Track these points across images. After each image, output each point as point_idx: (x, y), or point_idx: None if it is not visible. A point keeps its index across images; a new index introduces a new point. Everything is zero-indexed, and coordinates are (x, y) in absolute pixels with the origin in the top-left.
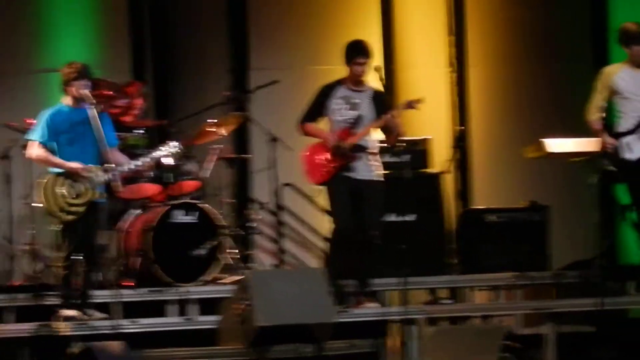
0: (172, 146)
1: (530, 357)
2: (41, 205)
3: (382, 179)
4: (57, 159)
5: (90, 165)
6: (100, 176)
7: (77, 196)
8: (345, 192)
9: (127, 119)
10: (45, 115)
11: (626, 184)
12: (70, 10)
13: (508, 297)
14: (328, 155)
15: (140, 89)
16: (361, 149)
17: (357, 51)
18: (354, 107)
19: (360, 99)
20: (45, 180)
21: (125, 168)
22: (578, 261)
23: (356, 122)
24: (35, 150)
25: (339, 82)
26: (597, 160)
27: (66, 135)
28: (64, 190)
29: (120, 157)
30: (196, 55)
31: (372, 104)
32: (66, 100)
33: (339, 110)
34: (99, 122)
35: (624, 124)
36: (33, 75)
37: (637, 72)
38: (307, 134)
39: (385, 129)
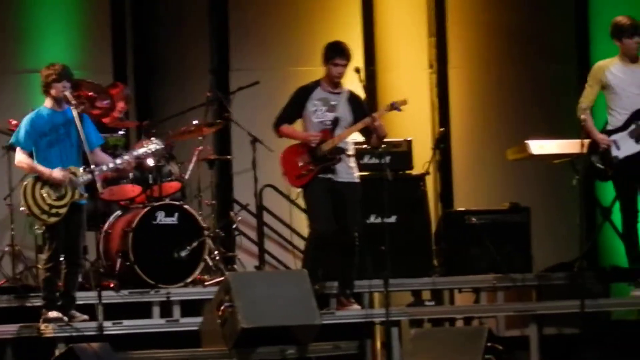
0: (154, 143)
1: (514, 359)
2: (23, 208)
3: (359, 180)
4: (39, 167)
5: (70, 167)
6: (82, 177)
7: (59, 198)
8: (325, 195)
9: (108, 120)
10: (25, 120)
11: (613, 182)
12: (53, 10)
13: (490, 299)
14: (307, 158)
15: (123, 92)
16: (340, 151)
17: (336, 52)
18: (331, 108)
19: (337, 100)
20: (26, 183)
21: (107, 167)
22: (560, 263)
23: (334, 123)
24: (17, 156)
25: (316, 84)
26: (586, 158)
27: (47, 137)
28: (44, 193)
29: (104, 157)
30: (178, 56)
31: (348, 105)
32: (47, 103)
33: (316, 112)
34: (81, 122)
35: (613, 121)
36: (16, 76)
37: (628, 67)
38: (284, 135)
39: (365, 131)
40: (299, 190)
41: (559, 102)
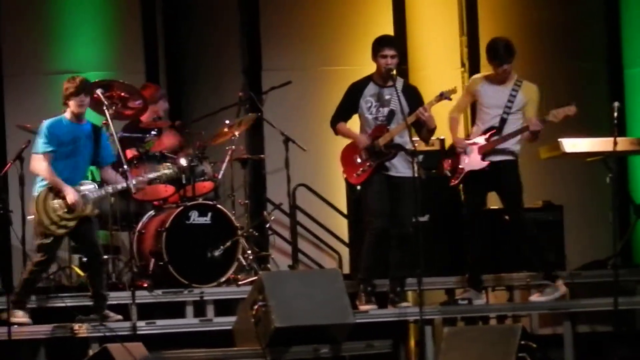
0: (168, 168)
1: (547, 357)
2: (32, 217)
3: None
4: (57, 179)
5: (85, 182)
6: (94, 192)
7: (69, 211)
8: (383, 191)
9: (143, 119)
10: (43, 127)
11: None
12: (84, 12)
13: (523, 297)
14: (364, 154)
15: (158, 92)
16: (397, 145)
17: (383, 43)
18: (385, 103)
19: (390, 94)
20: (39, 193)
21: (120, 186)
22: (594, 261)
23: (389, 118)
24: (37, 163)
25: (368, 80)
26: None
27: (63, 148)
28: (56, 204)
29: (113, 175)
30: (210, 56)
31: (403, 98)
32: (67, 114)
33: (370, 108)
34: (99, 137)
35: (473, 133)
36: (47, 77)
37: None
38: (339, 134)
39: (416, 125)
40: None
41: (591, 100)
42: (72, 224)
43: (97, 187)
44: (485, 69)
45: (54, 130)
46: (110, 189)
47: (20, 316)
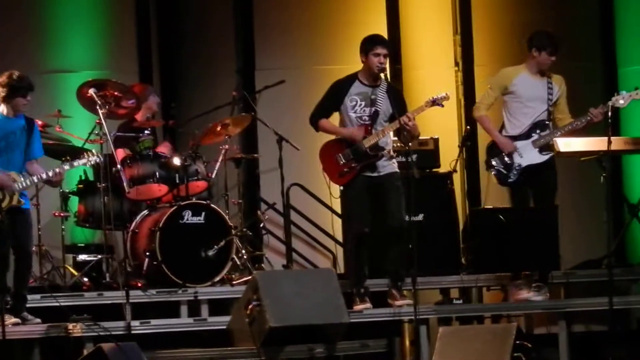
0: (95, 156)
1: (542, 356)
2: None
3: (398, 170)
4: None
5: (11, 172)
6: (20, 184)
7: None
8: (365, 193)
9: (137, 118)
10: None
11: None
12: (78, 11)
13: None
14: (348, 154)
15: (147, 89)
16: (381, 148)
17: (376, 42)
18: (371, 103)
19: (376, 94)
20: None
21: (39, 177)
22: (588, 260)
23: (373, 118)
24: None
25: (353, 78)
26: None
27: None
28: None
29: (37, 168)
30: (203, 55)
31: (388, 98)
32: (2, 109)
33: (355, 106)
34: (31, 131)
35: (510, 129)
36: (41, 76)
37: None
38: (323, 130)
39: (398, 129)
40: (340, 188)
41: (584, 100)
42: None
43: (24, 178)
44: (480, 67)
45: None
46: (35, 178)
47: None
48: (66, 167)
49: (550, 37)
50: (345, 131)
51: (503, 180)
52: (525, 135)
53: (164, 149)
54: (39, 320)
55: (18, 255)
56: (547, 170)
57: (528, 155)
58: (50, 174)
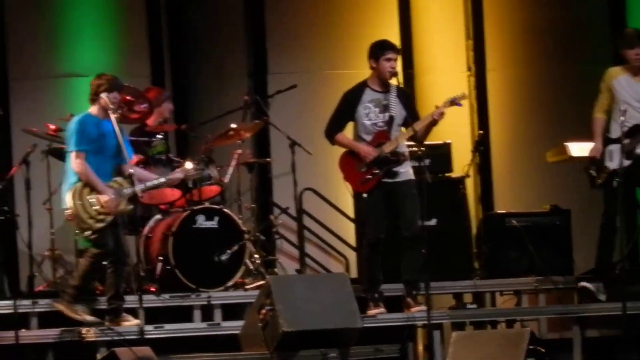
0: (192, 169)
1: None
2: (69, 212)
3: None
4: (95, 179)
5: (117, 179)
6: (126, 189)
7: (104, 208)
8: (383, 200)
9: (149, 122)
10: (74, 124)
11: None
12: (89, 15)
13: (532, 301)
14: (367, 163)
15: (162, 94)
16: (398, 153)
17: (387, 47)
18: (384, 109)
19: (388, 99)
20: (75, 187)
21: (151, 184)
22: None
23: (388, 124)
24: (77, 161)
25: (363, 86)
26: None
27: (93, 144)
28: (93, 199)
29: (138, 171)
30: (215, 59)
31: (400, 103)
32: (93, 110)
33: (369, 114)
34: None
35: (613, 131)
36: (53, 80)
37: (634, 80)
38: (339, 145)
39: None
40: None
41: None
42: (109, 218)
43: (130, 183)
44: (493, 72)
45: (83, 126)
46: (143, 186)
47: (81, 312)
48: (165, 180)
49: (633, 33)
50: (360, 148)
51: (592, 184)
52: (619, 139)
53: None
54: (138, 321)
55: (115, 255)
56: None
57: (617, 159)
58: (162, 180)
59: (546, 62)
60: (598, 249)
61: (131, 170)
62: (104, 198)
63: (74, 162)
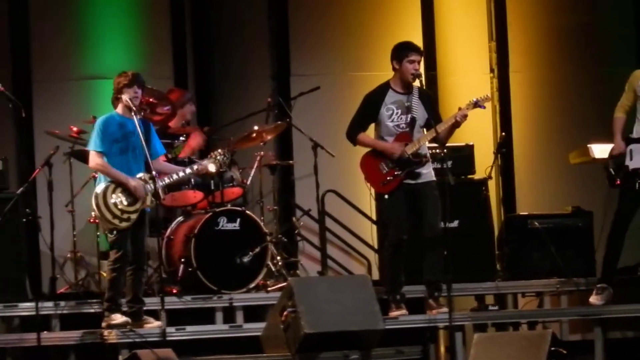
0: (218, 154)
1: None
2: (94, 213)
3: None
4: (115, 171)
5: (142, 174)
6: (151, 184)
7: (130, 204)
8: (405, 201)
9: (171, 124)
10: (98, 124)
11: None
12: (113, 17)
13: (554, 303)
14: (390, 162)
15: (184, 96)
16: (420, 155)
17: (410, 49)
18: (406, 110)
19: (410, 101)
20: (99, 190)
21: (173, 177)
22: (624, 267)
23: (410, 125)
24: (93, 159)
25: (386, 87)
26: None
27: (118, 144)
28: (117, 199)
29: (167, 166)
30: (238, 61)
31: (422, 104)
32: (118, 109)
33: (392, 115)
34: (148, 131)
35: (635, 131)
36: (76, 82)
37: None
38: (362, 145)
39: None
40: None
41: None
42: (134, 216)
43: (153, 181)
44: (516, 74)
45: (106, 127)
46: (166, 179)
47: (117, 318)
48: (195, 167)
49: None
50: (385, 146)
51: (610, 183)
52: None
53: (196, 138)
54: (159, 323)
55: (134, 258)
56: None
57: (638, 159)
58: (188, 171)
59: (569, 65)
60: (606, 247)
61: (154, 173)
62: (132, 182)
63: (91, 160)
